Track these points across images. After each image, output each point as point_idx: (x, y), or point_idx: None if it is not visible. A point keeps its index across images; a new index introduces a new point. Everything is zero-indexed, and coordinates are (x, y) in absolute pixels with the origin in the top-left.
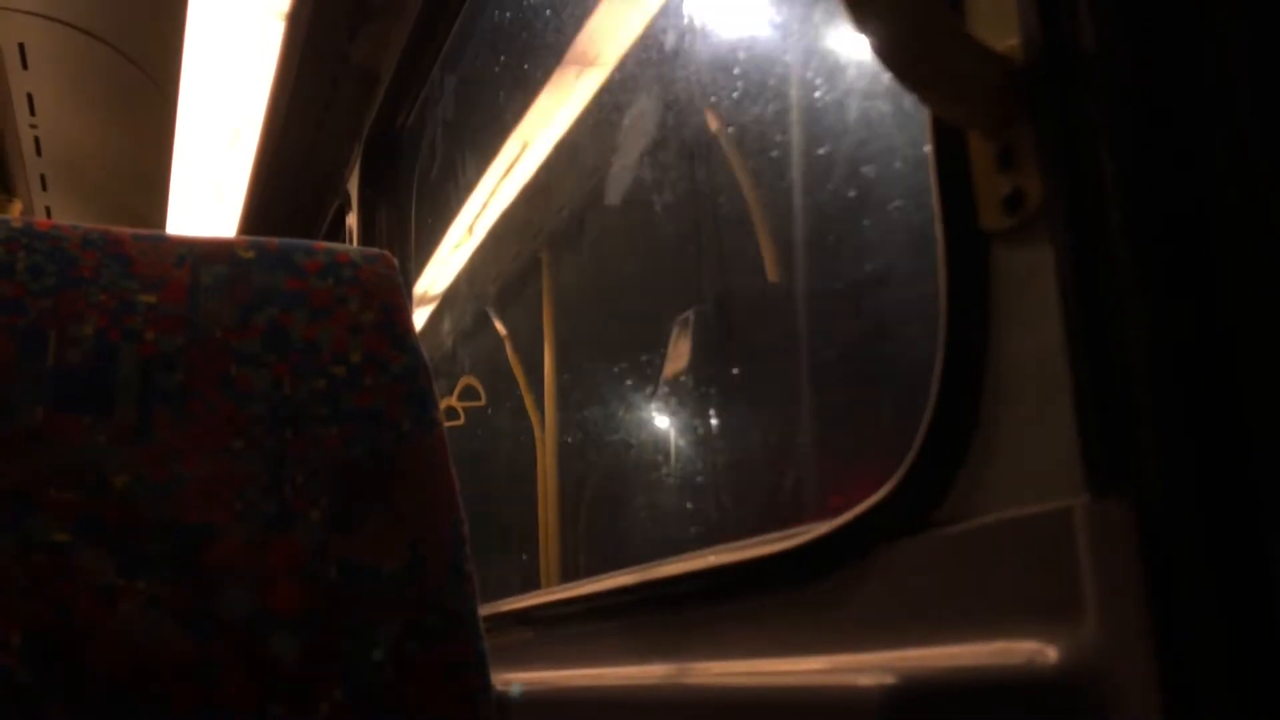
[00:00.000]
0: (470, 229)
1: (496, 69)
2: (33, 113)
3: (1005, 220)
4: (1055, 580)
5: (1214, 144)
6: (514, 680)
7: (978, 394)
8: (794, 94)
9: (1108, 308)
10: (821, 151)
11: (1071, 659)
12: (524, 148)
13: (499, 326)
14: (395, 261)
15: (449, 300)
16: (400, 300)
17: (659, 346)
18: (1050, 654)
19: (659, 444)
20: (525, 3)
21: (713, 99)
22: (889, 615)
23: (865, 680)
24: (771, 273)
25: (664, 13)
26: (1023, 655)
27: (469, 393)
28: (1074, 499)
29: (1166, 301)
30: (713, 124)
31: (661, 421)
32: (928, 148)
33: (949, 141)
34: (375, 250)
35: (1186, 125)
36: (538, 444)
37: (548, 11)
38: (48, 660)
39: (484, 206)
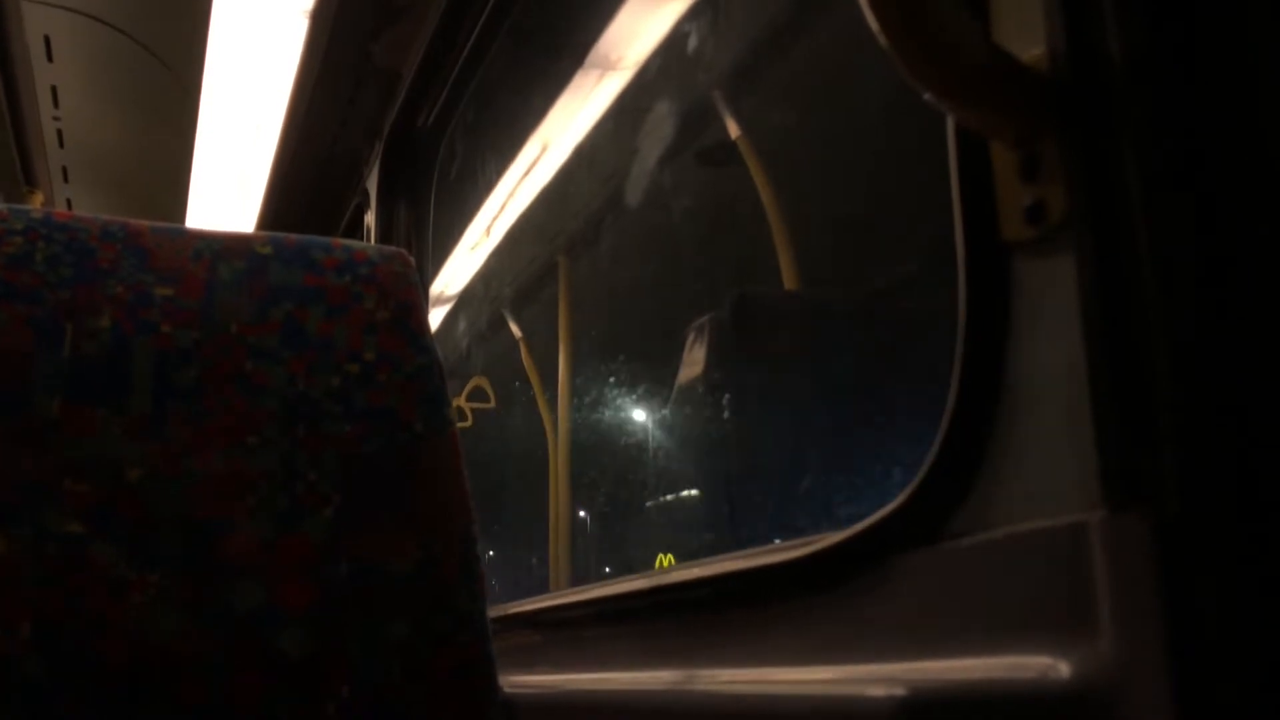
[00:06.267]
0: (488, 230)
1: (518, 70)
2: (56, 105)
3: (1027, 231)
4: (1070, 595)
5: (1245, 157)
6: (521, 683)
7: (995, 405)
8: None
9: (1131, 321)
10: None
11: (1085, 675)
12: (543, 150)
13: (514, 329)
14: (412, 260)
15: (465, 300)
16: (416, 299)
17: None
18: (1063, 669)
19: None
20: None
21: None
22: (901, 626)
23: (876, 691)
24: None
25: None
26: (1035, 670)
27: (479, 394)
28: (1091, 513)
29: (1192, 316)
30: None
31: None
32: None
33: (971, 151)
34: (392, 248)
35: (1216, 138)
36: (550, 446)
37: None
38: (58, 651)
39: (502, 208)
